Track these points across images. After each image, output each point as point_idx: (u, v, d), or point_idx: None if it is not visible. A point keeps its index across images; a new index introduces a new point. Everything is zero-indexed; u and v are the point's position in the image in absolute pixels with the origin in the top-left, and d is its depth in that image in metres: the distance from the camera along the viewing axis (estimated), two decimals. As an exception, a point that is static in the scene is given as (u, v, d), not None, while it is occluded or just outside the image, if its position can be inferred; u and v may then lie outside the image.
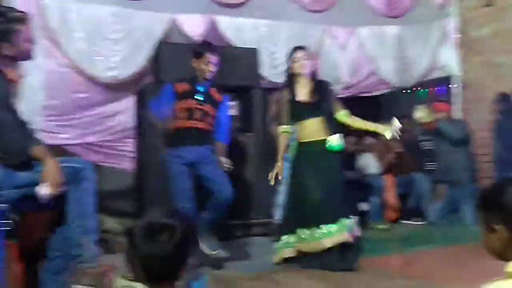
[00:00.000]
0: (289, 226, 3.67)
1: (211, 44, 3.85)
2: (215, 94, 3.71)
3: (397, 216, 5.74)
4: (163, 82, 4.62)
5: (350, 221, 3.62)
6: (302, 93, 3.74)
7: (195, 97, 3.60)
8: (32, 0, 4.55)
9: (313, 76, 3.76)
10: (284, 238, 3.66)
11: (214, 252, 3.51)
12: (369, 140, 5.84)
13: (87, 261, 2.39)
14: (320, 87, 3.73)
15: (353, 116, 3.78)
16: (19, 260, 2.13)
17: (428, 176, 5.79)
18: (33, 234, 2.47)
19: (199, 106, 3.60)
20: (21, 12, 2.48)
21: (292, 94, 3.76)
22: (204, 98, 3.63)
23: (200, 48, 3.71)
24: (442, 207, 5.49)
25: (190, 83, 3.63)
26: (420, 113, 5.21)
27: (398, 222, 5.68)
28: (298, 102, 3.73)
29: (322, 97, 3.68)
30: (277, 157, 3.79)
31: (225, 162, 3.67)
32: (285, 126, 3.82)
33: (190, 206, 3.43)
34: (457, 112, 6.35)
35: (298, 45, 3.88)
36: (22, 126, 2.42)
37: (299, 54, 3.74)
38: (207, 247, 3.49)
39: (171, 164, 3.59)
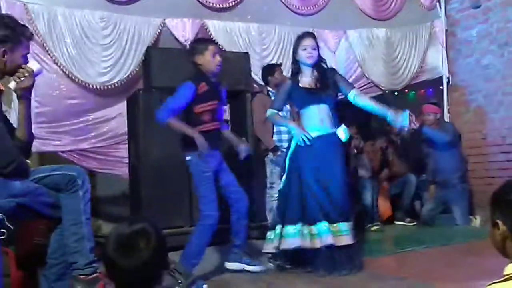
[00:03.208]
0: (286, 218, 3.49)
1: (207, 39, 3.68)
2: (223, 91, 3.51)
3: (390, 217, 5.78)
4: (153, 87, 4.63)
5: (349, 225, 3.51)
6: (306, 80, 3.57)
7: (217, 97, 3.35)
8: (19, 5, 4.55)
9: (319, 64, 3.56)
10: (278, 228, 3.51)
11: (258, 269, 3.47)
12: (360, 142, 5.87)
13: (83, 268, 2.39)
14: (325, 75, 3.53)
15: (363, 96, 3.56)
16: (18, 267, 2.13)
17: (420, 177, 5.84)
18: (29, 242, 2.47)
19: (220, 107, 3.38)
20: (27, 27, 2.47)
21: (296, 81, 3.58)
22: (221, 97, 3.41)
23: (201, 43, 3.47)
24: (433, 208, 5.53)
25: (207, 83, 3.31)
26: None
27: (391, 223, 5.72)
28: (302, 88, 3.55)
29: (326, 84, 3.49)
30: (290, 124, 3.67)
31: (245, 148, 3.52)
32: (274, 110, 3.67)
33: (217, 215, 3.23)
34: (447, 113, 6.43)
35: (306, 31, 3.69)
36: (12, 135, 2.41)
37: (308, 42, 3.51)
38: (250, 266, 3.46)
39: (199, 170, 3.26)
